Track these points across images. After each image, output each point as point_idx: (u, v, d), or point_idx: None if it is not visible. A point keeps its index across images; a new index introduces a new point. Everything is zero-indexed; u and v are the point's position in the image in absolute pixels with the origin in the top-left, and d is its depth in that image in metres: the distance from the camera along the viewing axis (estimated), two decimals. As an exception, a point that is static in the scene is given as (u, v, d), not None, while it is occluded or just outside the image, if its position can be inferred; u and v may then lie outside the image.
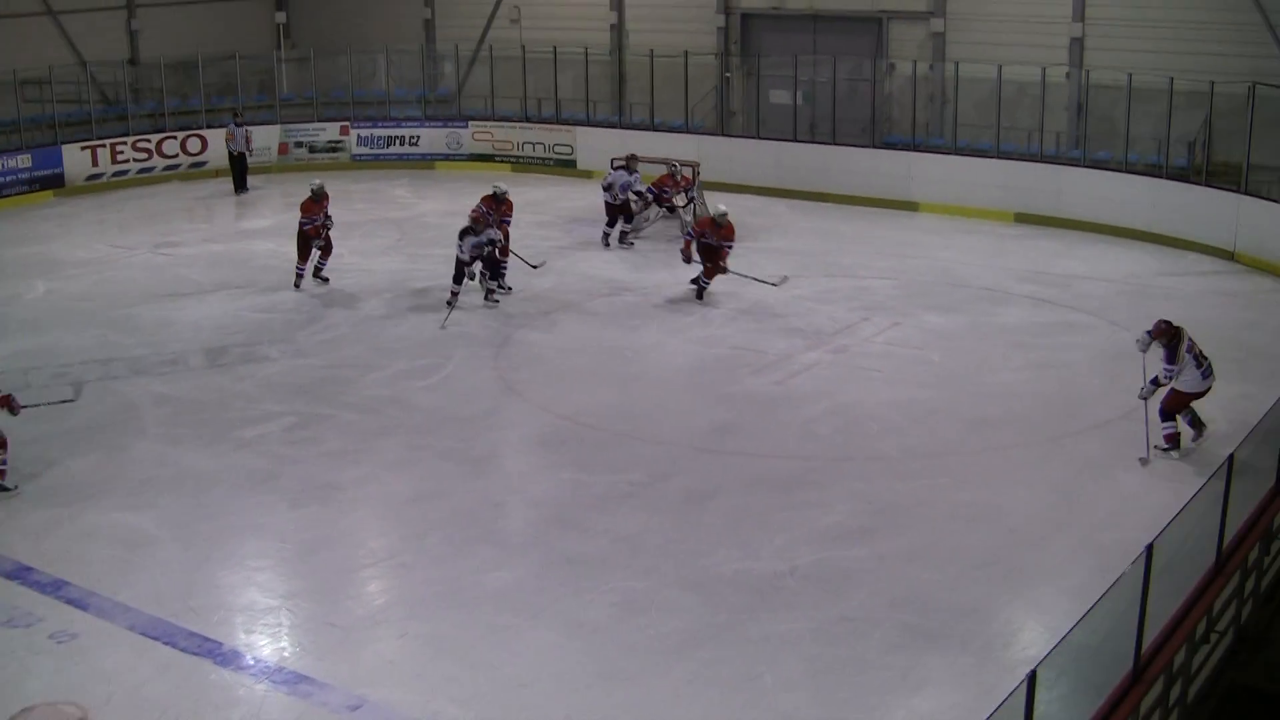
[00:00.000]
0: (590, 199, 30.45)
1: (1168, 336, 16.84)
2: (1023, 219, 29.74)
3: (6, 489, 16.57)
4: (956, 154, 31.34)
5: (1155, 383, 16.93)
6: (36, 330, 23.36)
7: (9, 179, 34.36)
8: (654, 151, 31.86)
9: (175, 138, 37.33)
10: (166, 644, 13.01)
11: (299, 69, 41.47)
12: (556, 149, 36.67)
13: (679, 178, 28.73)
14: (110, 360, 21.65)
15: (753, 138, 34.32)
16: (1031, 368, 20.28)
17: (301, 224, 25.22)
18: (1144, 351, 17.01)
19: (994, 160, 30.53)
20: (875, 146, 32.69)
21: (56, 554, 14.91)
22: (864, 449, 17.49)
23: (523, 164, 37.00)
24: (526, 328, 22.79)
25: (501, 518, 15.81)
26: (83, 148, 35.91)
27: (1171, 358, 16.84)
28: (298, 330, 22.90)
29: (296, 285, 25.29)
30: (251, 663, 12.74)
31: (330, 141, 38.24)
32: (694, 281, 24.00)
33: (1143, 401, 17.01)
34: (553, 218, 30.70)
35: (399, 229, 30.26)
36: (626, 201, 27.93)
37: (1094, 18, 30.52)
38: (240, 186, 35.23)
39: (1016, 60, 30.41)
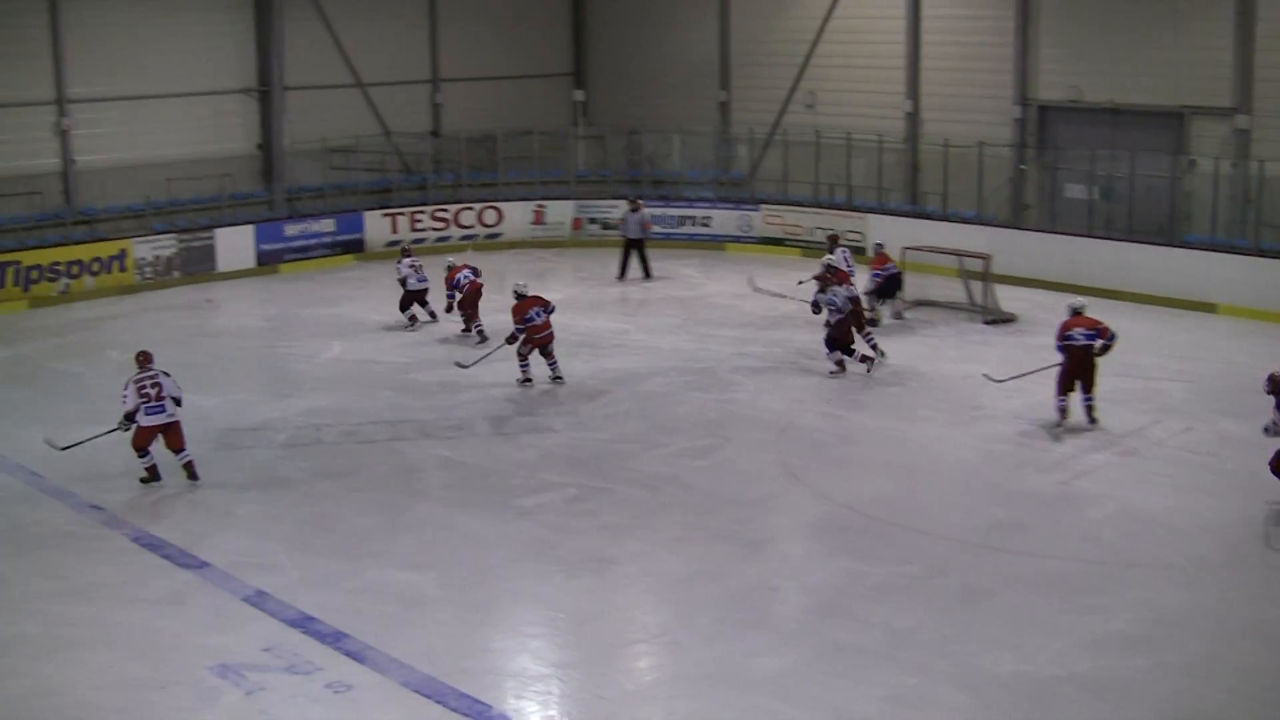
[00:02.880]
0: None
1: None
2: (1328, 325, 28.69)
3: None
4: (1259, 255, 30.31)
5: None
6: (329, 389, 24.13)
7: (313, 242, 35.72)
8: (945, 242, 31.61)
9: (472, 208, 38.34)
10: (438, 703, 13.20)
11: (594, 146, 42.24)
12: (847, 235, 36.54)
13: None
14: (398, 422, 22.22)
15: (1047, 231, 33.74)
16: (1333, 480, 19.48)
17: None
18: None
19: (1299, 263, 29.53)
20: (1173, 245, 31.84)
21: (338, 607, 15.30)
22: (1150, 555, 16.91)
23: (813, 249, 36.89)
24: (810, 413, 22.69)
25: (775, 602, 15.68)
26: (384, 214, 37.24)
27: None
28: (582, 403, 23.18)
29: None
30: (520, 729, 12.85)
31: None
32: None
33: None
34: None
35: (685, 308, 30.46)
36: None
37: None
38: (644, 273, 34.17)
39: (1327, 160, 29.48)
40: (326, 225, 36.34)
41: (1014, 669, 13.90)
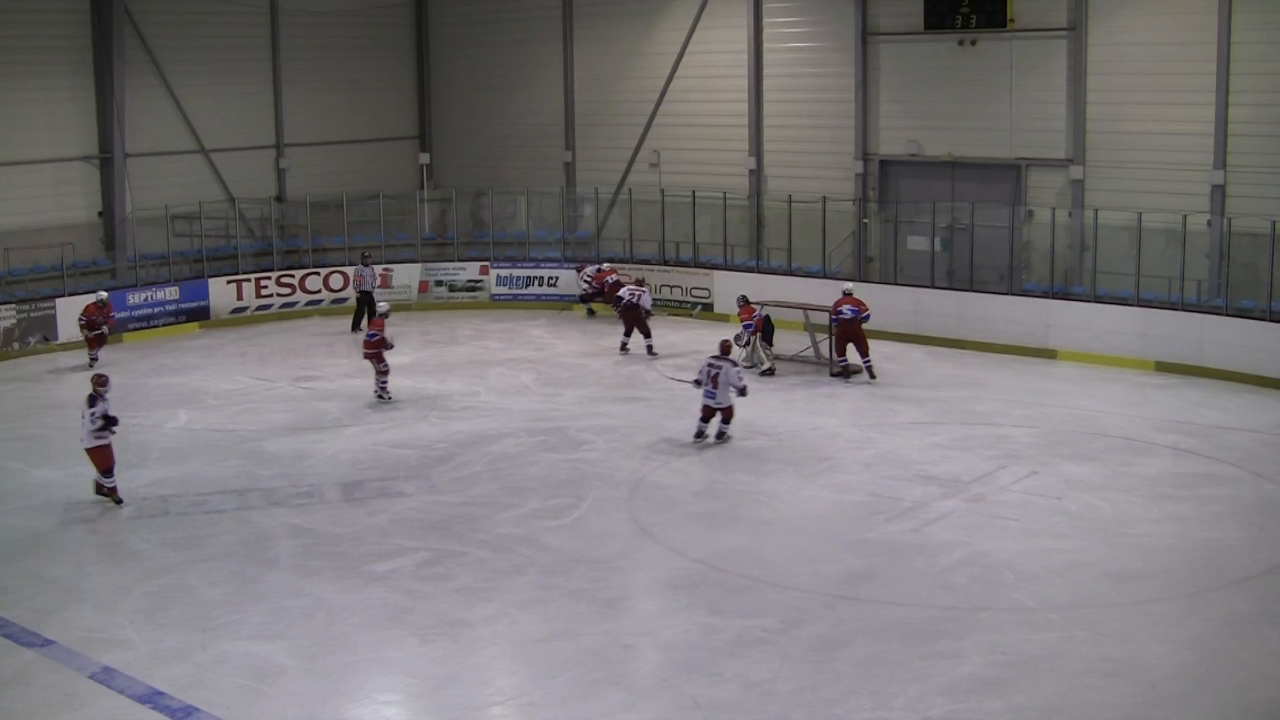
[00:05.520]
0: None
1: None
2: (1163, 368, 29.30)
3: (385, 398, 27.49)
4: (1096, 302, 30.98)
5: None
6: (177, 459, 23.76)
7: (157, 310, 35.31)
8: (791, 296, 31.97)
9: (318, 273, 38.13)
10: (293, 776, 13.01)
11: (440, 209, 42.17)
12: (693, 292, 36.82)
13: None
14: (247, 491, 21.93)
15: (890, 284, 34.23)
16: (1173, 520, 19.86)
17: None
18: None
19: (1134, 308, 30.12)
20: (1013, 294, 32.44)
21: (187, 680, 15.02)
22: (1000, 599, 17.15)
23: (660, 306, 37.14)
24: (661, 470, 22.74)
25: (631, 660, 15.65)
26: (228, 281, 36.87)
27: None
28: (432, 467, 23.04)
29: None
30: (376, 798, 12.68)
31: (470, 281, 38.74)
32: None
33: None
34: (689, 361, 30.73)
35: (535, 369, 30.45)
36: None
37: (1236, 165, 30.12)
38: (356, 327, 35.41)
39: (1157, 208, 30.19)
40: (170, 293, 35.88)
41: (870, 716, 14.02)
